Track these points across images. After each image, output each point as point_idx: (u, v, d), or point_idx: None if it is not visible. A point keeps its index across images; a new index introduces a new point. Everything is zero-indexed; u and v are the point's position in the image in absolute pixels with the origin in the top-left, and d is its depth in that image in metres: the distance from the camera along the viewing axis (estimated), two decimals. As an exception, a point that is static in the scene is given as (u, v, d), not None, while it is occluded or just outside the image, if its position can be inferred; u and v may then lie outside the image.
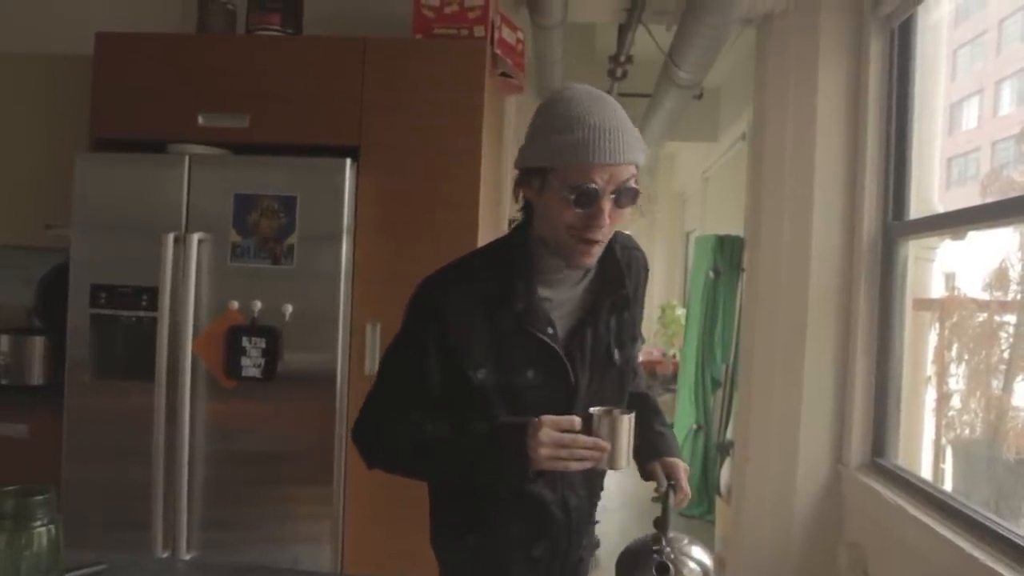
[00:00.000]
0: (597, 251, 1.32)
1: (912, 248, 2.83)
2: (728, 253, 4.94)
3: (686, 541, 1.31)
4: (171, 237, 2.47)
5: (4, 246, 3.05)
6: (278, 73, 2.59)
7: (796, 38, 2.95)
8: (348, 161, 2.51)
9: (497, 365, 1.32)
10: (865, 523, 2.73)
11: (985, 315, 2.58)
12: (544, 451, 1.22)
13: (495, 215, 2.95)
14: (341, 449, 2.50)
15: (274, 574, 1.80)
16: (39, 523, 1.14)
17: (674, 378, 6.26)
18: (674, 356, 6.87)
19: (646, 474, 1.42)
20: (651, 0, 3.27)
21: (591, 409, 1.27)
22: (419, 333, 1.35)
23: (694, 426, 5.18)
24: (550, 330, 1.34)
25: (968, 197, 3.03)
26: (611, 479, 1.52)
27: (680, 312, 7.14)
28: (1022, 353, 2.53)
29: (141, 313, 2.51)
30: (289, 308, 2.46)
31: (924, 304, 2.91)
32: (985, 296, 2.57)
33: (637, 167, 1.28)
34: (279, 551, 2.48)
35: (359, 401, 1.44)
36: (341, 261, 2.50)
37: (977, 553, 1.98)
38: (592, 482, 1.47)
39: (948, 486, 2.61)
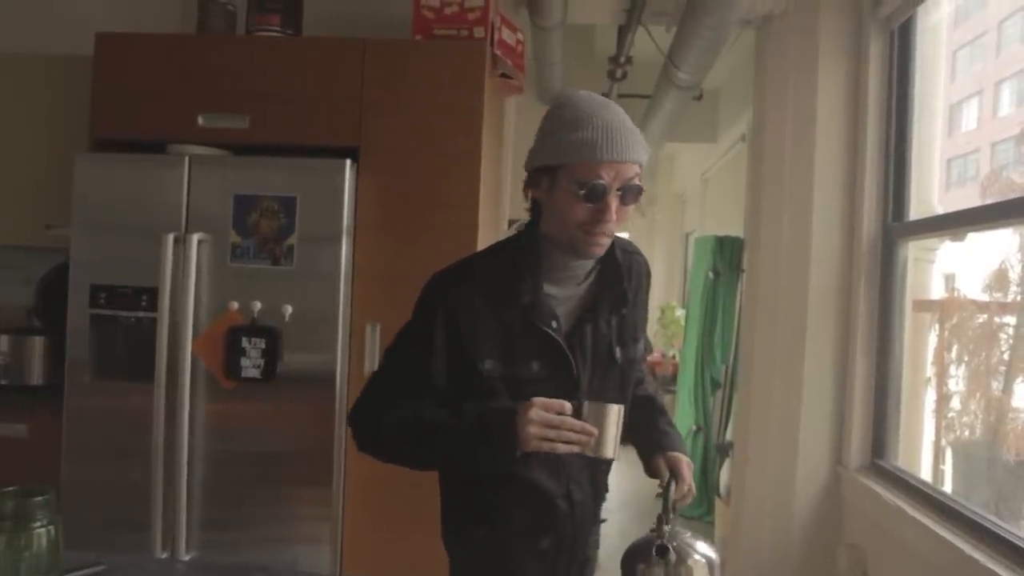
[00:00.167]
0: (606, 243, 1.38)
1: (912, 249, 2.82)
2: (728, 254, 4.94)
3: (689, 535, 1.33)
4: (171, 237, 2.47)
5: (4, 246, 3.04)
6: (278, 74, 2.59)
7: (796, 39, 2.95)
8: (348, 162, 2.51)
9: (503, 357, 1.37)
10: (865, 524, 2.73)
11: (985, 316, 2.58)
12: (533, 429, 1.26)
13: (495, 216, 2.95)
14: (340, 450, 2.50)
15: (273, 575, 1.80)
16: (39, 524, 1.14)
17: (674, 379, 6.26)
18: (674, 357, 6.88)
19: (650, 470, 1.47)
20: (651, 1, 3.27)
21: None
22: (429, 322, 1.39)
23: (693, 427, 5.18)
24: (554, 324, 1.39)
25: (968, 198, 3.03)
26: (611, 479, 1.53)
27: (680, 313, 7.13)
28: (1022, 355, 2.53)
29: (141, 313, 2.51)
30: (289, 309, 2.46)
31: (924, 305, 2.91)
32: (985, 297, 2.57)
33: (640, 166, 1.35)
34: (278, 552, 2.48)
35: (359, 402, 1.46)
36: (341, 262, 2.50)
37: (977, 555, 1.98)
38: (596, 478, 1.50)
39: (948, 488, 2.61)
